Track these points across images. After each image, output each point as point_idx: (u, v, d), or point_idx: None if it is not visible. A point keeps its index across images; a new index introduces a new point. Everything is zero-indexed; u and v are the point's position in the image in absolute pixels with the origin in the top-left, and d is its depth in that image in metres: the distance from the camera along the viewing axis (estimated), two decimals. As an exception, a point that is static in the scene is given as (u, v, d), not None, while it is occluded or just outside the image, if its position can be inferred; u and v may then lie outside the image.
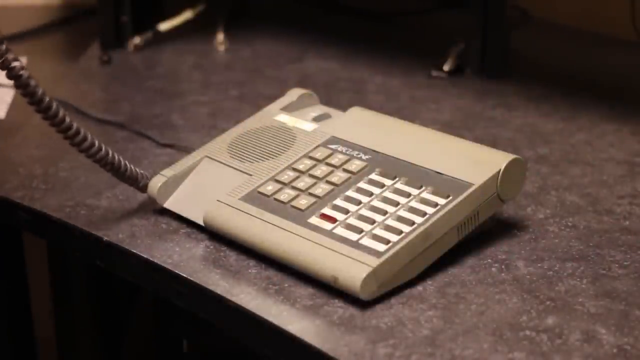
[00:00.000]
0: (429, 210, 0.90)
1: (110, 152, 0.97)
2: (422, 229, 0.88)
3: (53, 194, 1.05)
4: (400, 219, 0.90)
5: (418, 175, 0.94)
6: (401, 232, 0.88)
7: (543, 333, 0.82)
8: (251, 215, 0.93)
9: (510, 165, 0.92)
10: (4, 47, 0.89)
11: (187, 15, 1.52)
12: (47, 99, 0.91)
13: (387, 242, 0.87)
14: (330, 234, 0.90)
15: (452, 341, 0.82)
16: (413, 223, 0.89)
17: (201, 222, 0.96)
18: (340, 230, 0.90)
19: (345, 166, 0.96)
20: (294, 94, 1.08)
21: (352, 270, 0.86)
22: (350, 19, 1.58)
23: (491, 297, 0.87)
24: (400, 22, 1.57)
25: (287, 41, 1.49)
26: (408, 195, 0.92)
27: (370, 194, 0.93)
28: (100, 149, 0.96)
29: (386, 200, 0.92)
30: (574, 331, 0.82)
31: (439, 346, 0.81)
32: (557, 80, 1.35)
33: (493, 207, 0.93)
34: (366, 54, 1.44)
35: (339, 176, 0.95)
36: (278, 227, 0.91)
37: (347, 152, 0.98)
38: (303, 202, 0.93)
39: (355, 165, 0.96)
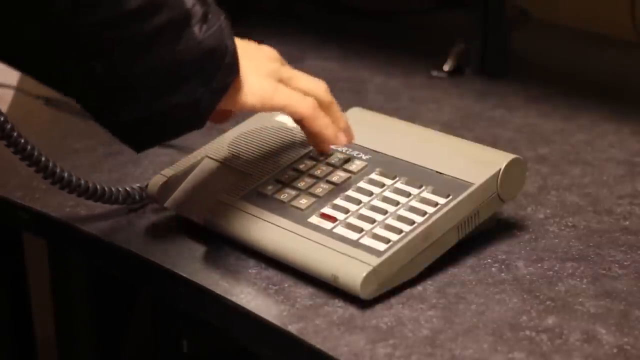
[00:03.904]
0: (429, 209, 0.90)
1: (91, 183, 0.97)
2: (422, 228, 0.88)
3: (53, 194, 1.05)
4: (401, 219, 0.90)
5: (418, 175, 0.94)
6: (401, 231, 0.88)
7: (543, 333, 0.82)
8: (251, 215, 0.93)
9: (510, 165, 0.92)
10: None
11: (187, 15, 1.52)
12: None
13: (388, 241, 0.87)
14: (330, 233, 0.90)
15: (452, 341, 0.82)
16: (413, 222, 0.89)
17: (201, 222, 0.96)
18: (340, 230, 0.90)
19: (345, 166, 0.96)
20: (294, 93, 1.08)
21: (352, 270, 0.86)
22: (350, 19, 1.58)
23: (491, 297, 0.87)
24: (400, 22, 1.57)
25: (287, 41, 1.49)
26: (408, 194, 0.92)
27: (371, 194, 0.93)
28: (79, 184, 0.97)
29: (386, 199, 0.92)
30: (574, 331, 0.82)
31: (439, 346, 0.81)
32: (557, 80, 1.35)
33: (493, 207, 0.93)
34: (366, 54, 1.44)
35: (339, 176, 0.95)
36: (278, 226, 0.91)
37: (347, 152, 0.98)
38: (303, 201, 0.93)
39: (355, 165, 0.96)
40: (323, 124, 0.93)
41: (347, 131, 0.97)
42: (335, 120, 0.95)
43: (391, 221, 0.89)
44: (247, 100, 0.89)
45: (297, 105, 0.91)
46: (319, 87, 0.94)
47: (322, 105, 0.94)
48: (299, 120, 0.94)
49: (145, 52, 0.82)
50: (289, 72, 0.93)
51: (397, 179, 0.94)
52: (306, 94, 0.93)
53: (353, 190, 0.93)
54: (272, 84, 0.90)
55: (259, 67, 0.91)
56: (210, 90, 0.85)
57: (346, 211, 0.91)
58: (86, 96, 0.85)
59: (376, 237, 0.88)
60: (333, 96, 0.96)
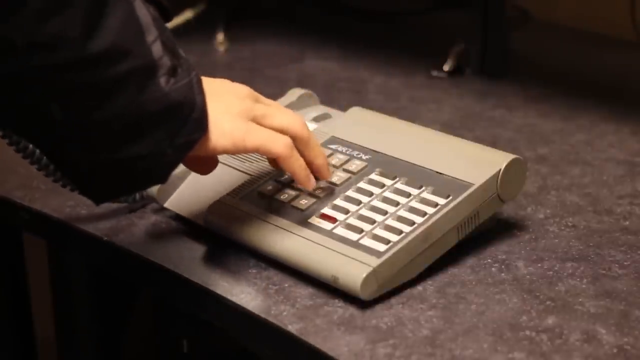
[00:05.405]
0: (429, 210, 0.90)
1: None
2: (422, 229, 0.88)
3: (53, 194, 1.05)
4: (401, 219, 0.90)
5: (418, 175, 0.94)
6: (401, 232, 0.88)
7: (543, 333, 0.82)
8: (251, 215, 0.93)
9: (510, 165, 0.92)
10: None
11: (187, 15, 1.52)
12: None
13: (387, 242, 0.87)
14: (330, 233, 0.90)
15: (452, 341, 0.82)
16: (413, 223, 0.89)
17: (201, 222, 0.96)
18: (340, 230, 0.90)
19: (345, 166, 0.96)
20: (294, 94, 1.08)
21: (353, 270, 0.86)
22: (350, 19, 1.58)
23: (491, 297, 0.87)
24: (400, 22, 1.57)
25: (287, 41, 1.49)
26: (408, 195, 0.92)
27: (371, 194, 0.93)
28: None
29: (386, 200, 0.92)
30: (574, 331, 0.82)
31: (439, 346, 0.81)
32: (557, 80, 1.35)
33: (493, 207, 0.93)
34: (366, 54, 1.44)
35: (339, 176, 0.95)
36: (278, 227, 0.91)
37: (347, 152, 0.98)
38: (303, 202, 0.93)
39: (355, 165, 0.96)
40: (296, 165, 0.89)
41: (323, 169, 0.92)
42: (313, 157, 0.91)
43: (391, 222, 0.89)
44: (219, 144, 0.84)
45: (271, 145, 0.87)
46: (295, 122, 0.89)
47: (299, 142, 0.89)
48: (273, 160, 0.91)
49: (106, 99, 0.78)
50: (262, 109, 0.88)
51: (397, 179, 0.94)
52: (281, 131, 0.88)
53: (353, 191, 0.93)
54: (243, 124, 0.86)
55: (230, 107, 0.86)
56: (174, 145, 0.81)
57: (346, 212, 0.91)
58: (45, 142, 0.82)
59: (376, 237, 0.88)
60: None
